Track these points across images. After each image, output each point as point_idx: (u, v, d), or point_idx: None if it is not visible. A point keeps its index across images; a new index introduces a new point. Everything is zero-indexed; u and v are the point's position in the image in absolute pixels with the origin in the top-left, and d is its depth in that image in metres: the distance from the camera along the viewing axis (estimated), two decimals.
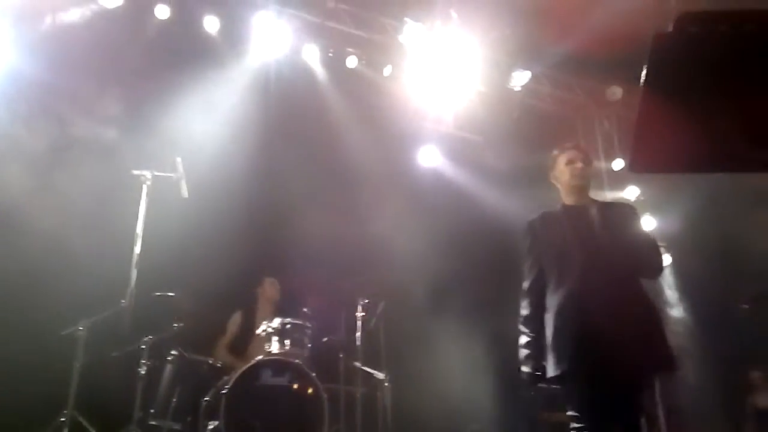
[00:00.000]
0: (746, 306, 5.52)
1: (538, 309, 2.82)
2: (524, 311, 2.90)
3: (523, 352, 2.83)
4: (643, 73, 1.46)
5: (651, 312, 2.71)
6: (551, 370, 2.64)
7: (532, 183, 6.57)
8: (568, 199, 3.01)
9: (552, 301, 2.77)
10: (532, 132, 6.72)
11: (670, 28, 1.40)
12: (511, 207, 6.43)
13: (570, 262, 2.75)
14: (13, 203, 4.63)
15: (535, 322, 2.82)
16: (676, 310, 6.57)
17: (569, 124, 7.42)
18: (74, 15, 5.17)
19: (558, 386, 2.71)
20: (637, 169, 1.82)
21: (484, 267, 6.32)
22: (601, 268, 2.68)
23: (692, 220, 6.33)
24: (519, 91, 6.85)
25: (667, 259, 6.50)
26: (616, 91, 6.98)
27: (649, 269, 2.84)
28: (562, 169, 3.02)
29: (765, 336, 5.32)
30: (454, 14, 6.18)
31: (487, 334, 5.79)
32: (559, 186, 3.08)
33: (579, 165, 2.99)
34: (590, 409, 2.54)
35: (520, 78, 6.71)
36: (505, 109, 6.93)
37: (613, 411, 2.54)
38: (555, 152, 3.10)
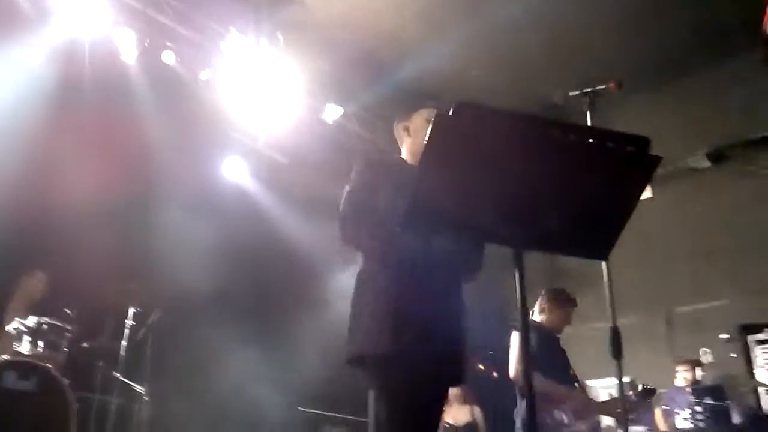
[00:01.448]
0: None
1: None
2: None
3: None
4: (424, 142, 1.68)
5: None
6: None
7: (330, 216, 6.91)
8: (410, 159, 2.69)
9: None
10: (338, 165, 7.00)
11: (451, 111, 1.65)
12: (304, 234, 6.63)
13: None
14: None
15: None
16: None
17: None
18: None
19: None
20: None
21: (268, 286, 6.39)
22: None
23: None
24: (330, 124, 7.11)
25: None
26: None
27: None
28: (421, 125, 2.65)
29: None
30: (280, 36, 6.28)
31: (264, 352, 5.85)
32: (406, 141, 2.75)
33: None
34: None
35: (333, 112, 6.98)
36: (316, 138, 7.14)
37: None
38: (418, 106, 2.77)
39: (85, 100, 5.51)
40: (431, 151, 1.69)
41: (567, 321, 4.30)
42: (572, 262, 6.66)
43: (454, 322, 2.43)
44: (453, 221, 1.83)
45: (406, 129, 2.73)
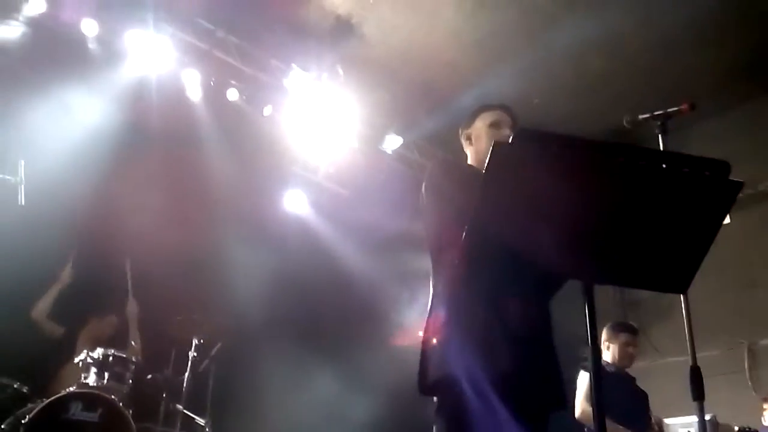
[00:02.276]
0: None
1: None
2: None
3: None
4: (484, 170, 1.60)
5: None
6: None
7: (391, 246, 6.93)
8: (477, 166, 2.47)
9: None
10: (398, 195, 6.98)
11: (511, 138, 1.57)
12: (366, 266, 6.60)
13: None
14: None
15: None
16: None
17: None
18: None
19: None
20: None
21: (328, 319, 6.37)
22: None
23: None
24: (390, 154, 7.12)
25: None
26: None
27: None
28: (483, 131, 2.47)
29: None
30: (340, 70, 6.37)
31: (324, 385, 5.81)
32: (469, 149, 2.54)
33: (506, 132, 2.41)
34: None
35: (393, 142, 6.99)
36: (375, 169, 7.16)
37: None
38: (478, 109, 2.58)
39: (152, 138, 5.72)
40: (490, 179, 1.60)
41: (629, 351, 4.07)
42: (646, 293, 6.36)
43: (549, 357, 2.22)
44: (515, 252, 1.72)
45: (468, 137, 2.55)
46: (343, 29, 5.91)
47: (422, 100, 6.93)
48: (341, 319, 6.55)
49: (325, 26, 6.02)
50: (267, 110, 6.53)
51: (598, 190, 1.57)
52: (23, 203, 4.09)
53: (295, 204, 7.18)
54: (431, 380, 2.10)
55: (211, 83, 6.25)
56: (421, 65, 6.61)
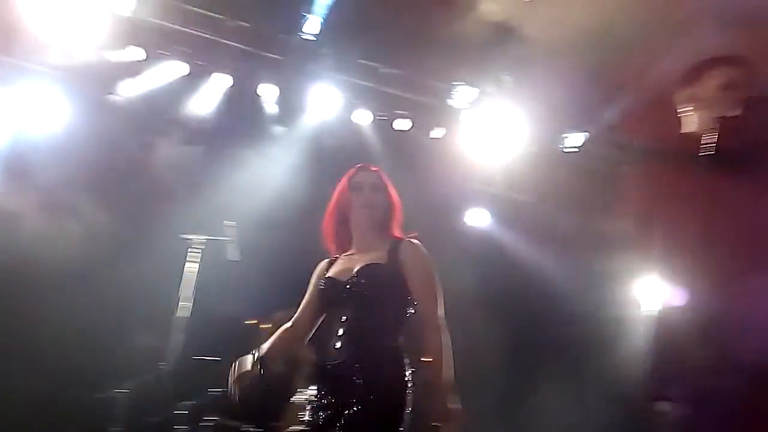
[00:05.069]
0: None
1: None
2: None
3: None
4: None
5: None
6: None
7: (586, 246, 6.50)
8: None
9: None
10: (586, 194, 6.55)
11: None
12: (559, 272, 6.26)
13: None
14: (63, 264, 4.73)
15: None
16: None
17: (627, 186, 7.16)
18: (132, 84, 5.39)
19: None
20: None
21: (528, 332, 6.10)
22: None
23: None
24: (573, 152, 6.72)
25: None
26: None
27: None
28: (712, 93, 1.85)
29: None
30: (507, 77, 6.17)
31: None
32: (692, 116, 1.91)
33: (739, 96, 1.78)
34: None
35: (575, 139, 6.60)
36: (555, 170, 6.79)
37: None
38: (700, 63, 2.00)
39: (329, 174, 5.99)
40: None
41: None
42: None
43: None
44: None
45: (691, 99, 1.95)
46: (503, 36, 5.72)
47: (597, 89, 6.46)
48: (541, 329, 6.26)
49: (483, 37, 5.88)
50: (435, 133, 6.55)
51: None
52: (238, 259, 4.46)
53: (478, 220, 7.05)
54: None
55: (379, 118, 6.43)
56: (591, 53, 6.18)
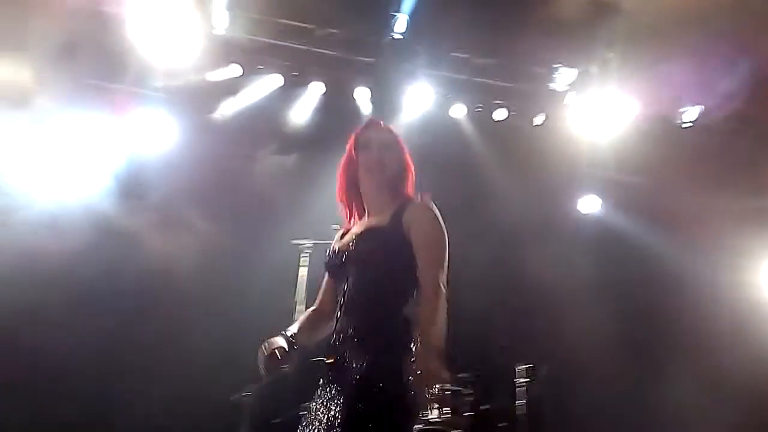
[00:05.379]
0: None
1: None
2: None
3: None
4: None
5: None
6: None
7: (708, 225, 6.02)
8: None
9: None
10: (703, 170, 6.08)
11: None
12: (685, 256, 5.86)
13: None
14: (182, 275, 5.02)
15: None
16: None
17: (747, 158, 6.55)
18: (232, 101, 5.62)
19: None
20: None
21: (660, 322, 5.74)
22: None
23: None
24: (688, 127, 6.27)
25: None
26: None
27: None
28: None
29: None
30: (611, 54, 5.85)
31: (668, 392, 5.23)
32: None
33: None
34: None
35: (690, 114, 6.15)
36: (669, 147, 6.35)
37: None
38: None
39: (437, 173, 5.94)
40: None
41: None
42: None
43: None
44: None
45: None
46: (604, 11, 5.41)
47: (712, 59, 5.97)
48: (673, 318, 5.87)
49: (580, 15, 5.61)
50: (537, 119, 6.33)
51: None
52: None
53: (591, 206, 6.72)
54: None
55: (477, 110, 6.30)
56: (702, 21, 5.72)
